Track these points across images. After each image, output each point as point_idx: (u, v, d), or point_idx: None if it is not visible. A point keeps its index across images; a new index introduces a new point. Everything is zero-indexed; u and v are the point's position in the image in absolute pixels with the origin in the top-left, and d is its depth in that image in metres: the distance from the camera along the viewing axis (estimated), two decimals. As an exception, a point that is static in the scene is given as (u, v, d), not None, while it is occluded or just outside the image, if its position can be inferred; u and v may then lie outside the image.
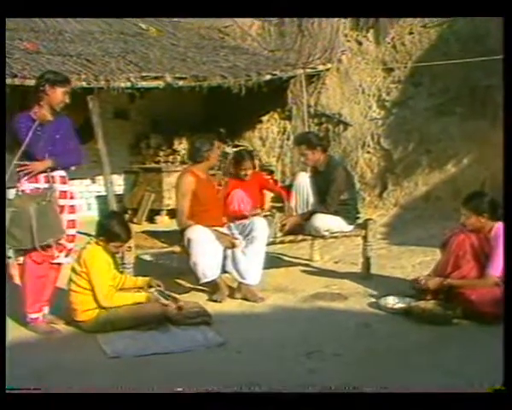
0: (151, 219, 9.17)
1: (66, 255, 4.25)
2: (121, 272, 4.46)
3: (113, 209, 4.51)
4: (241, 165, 5.54)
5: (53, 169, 4.15)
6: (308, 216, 5.32)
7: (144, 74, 8.04)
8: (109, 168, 7.99)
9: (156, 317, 4.13)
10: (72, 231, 4.26)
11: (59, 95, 4.16)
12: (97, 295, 4.07)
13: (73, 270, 4.15)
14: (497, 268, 4.12)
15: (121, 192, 9.69)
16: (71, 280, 4.15)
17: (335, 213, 5.31)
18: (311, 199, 5.45)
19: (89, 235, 4.68)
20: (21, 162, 4.07)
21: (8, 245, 3.99)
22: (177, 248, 4.95)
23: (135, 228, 7.99)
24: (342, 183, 5.31)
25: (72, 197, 4.34)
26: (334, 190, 5.27)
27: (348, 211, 5.39)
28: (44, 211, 4.04)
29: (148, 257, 5.72)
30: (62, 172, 4.23)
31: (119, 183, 9.67)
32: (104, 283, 4.10)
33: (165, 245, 5.10)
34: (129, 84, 7.87)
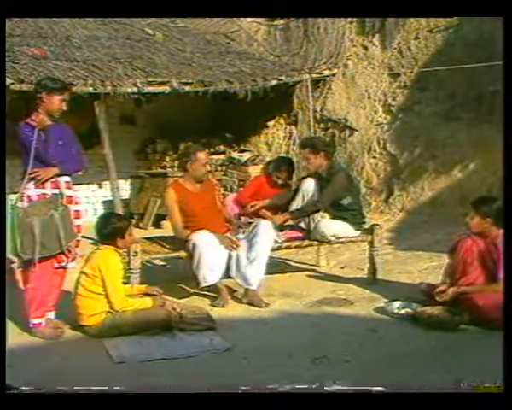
0: (157, 225, 9.18)
1: (72, 260, 4.26)
2: (128, 277, 4.48)
3: (105, 212, 4.57)
4: (279, 171, 5.72)
5: (58, 175, 4.19)
6: (296, 215, 5.35)
7: (151, 79, 8.07)
8: (115, 173, 8.02)
9: (161, 322, 4.13)
10: (77, 236, 4.28)
11: (56, 102, 4.18)
12: (112, 299, 4.08)
13: (84, 273, 4.16)
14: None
15: (127, 197, 9.71)
16: (79, 284, 4.16)
17: (341, 218, 5.31)
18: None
19: (94, 239, 4.71)
20: (32, 169, 4.10)
21: (39, 254, 4.00)
22: (182, 254, 4.96)
23: (141, 233, 8.05)
24: (339, 187, 5.29)
25: (76, 202, 4.37)
26: (327, 192, 5.27)
27: (354, 216, 5.39)
28: (65, 216, 4.10)
29: (154, 262, 5.74)
30: (67, 178, 4.27)
31: (125, 188, 9.70)
32: (119, 287, 4.14)
33: (171, 250, 5.12)
34: (135, 89, 7.90)
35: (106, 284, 4.08)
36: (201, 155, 5.05)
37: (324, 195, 5.30)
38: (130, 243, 4.42)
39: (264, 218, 5.29)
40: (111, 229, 4.22)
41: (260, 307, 4.74)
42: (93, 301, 4.11)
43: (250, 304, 4.79)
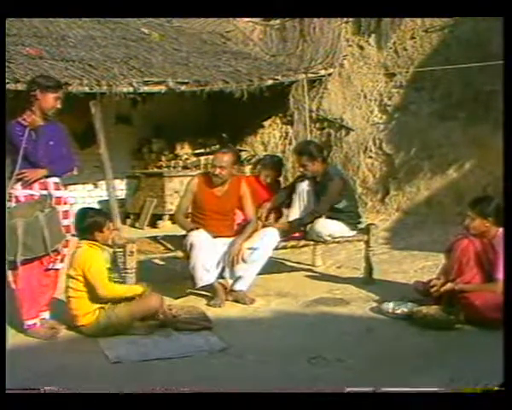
0: (153, 224, 9.18)
1: (62, 261, 4.25)
2: (124, 277, 4.49)
3: (81, 208, 4.55)
4: (267, 169, 5.76)
5: (47, 176, 4.17)
6: (295, 225, 5.35)
7: (146, 79, 8.07)
8: (111, 173, 8.00)
9: (154, 309, 4.15)
10: (65, 237, 4.27)
11: (50, 100, 4.14)
12: (98, 288, 4.06)
13: (69, 276, 4.15)
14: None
15: (123, 197, 9.71)
16: (68, 287, 4.15)
17: (337, 219, 5.33)
18: (312, 206, 5.44)
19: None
20: (20, 170, 4.06)
21: (22, 256, 3.96)
22: (179, 253, 4.96)
23: (137, 233, 8.05)
24: (336, 193, 5.31)
25: (65, 203, 4.35)
26: (324, 200, 5.30)
27: (350, 217, 5.41)
28: (51, 217, 4.07)
29: (151, 262, 5.73)
30: (56, 179, 4.24)
31: (121, 188, 9.70)
32: (103, 276, 4.10)
33: (167, 250, 5.11)
34: (131, 89, 7.90)
35: (88, 278, 4.06)
36: (219, 156, 4.98)
37: (321, 204, 5.31)
38: (111, 237, 4.39)
39: (261, 219, 5.30)
40: (88, 223, 4.18)
41: (244, 303, 4.80)
42: (84, 300, 4.10)
43: (235, 301, 4.85)
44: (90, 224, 4.19)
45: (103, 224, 4.23)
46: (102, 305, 4.10)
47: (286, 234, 5.26)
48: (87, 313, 4.10)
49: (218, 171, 4.90)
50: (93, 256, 4.13)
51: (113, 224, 4.52)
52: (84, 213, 4.31)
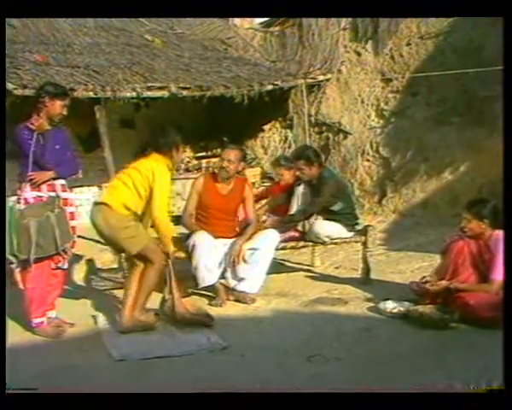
0: (155, 226, 9.25)
1: (68, 261, 4.38)
2: (125, 277, 4.64)
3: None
4: (279, 167, 5.93)
5: (54, 178, 4.30)
6: (286, 221, 5.50)
7: (149, 84, 8.15)
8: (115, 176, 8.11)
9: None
10: (73, 237, 4.40)
11: (57, 107, 4.28)
12: (156, 205, 4.43)
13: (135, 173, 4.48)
14: (499, 273, 4.09)
15: (126, 199, 9.79)
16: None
17: (334, 221, 5.42)
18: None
19: (96, 241, 4.81)
20: (30, 173, 4.19)
21: (34, 255, 4.09)
22: (181, 254, 5.00)
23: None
24: (329, 195, 5.40)
25: (71, 204, 4.47)
26: (316, 200, 5.40)
27: (347, 218, 5.50)
28: (61, 217, 4.20)
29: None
30: (62, 181, 4.37)
31: (124, 190, 9.77)
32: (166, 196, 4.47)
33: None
34: (135, 94, 7.98)
35: (153, 188, 4.39)
36: (227, 152, 5.08)
37: (313, 204, 5.42)
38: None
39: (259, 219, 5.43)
40: (171, 139, 4.52)
41: (245, 303, 4.89)
42: (129, 193, 4.36)
43: (237, 301, 4.95)
44: (171, 141, 4.49)
45: (179, 144, 4.51)
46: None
47: (279, 230, 5.36)
48: (122, 203, 4.28)
49: (226, 164, 5.00)
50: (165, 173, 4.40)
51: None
52: (167, 130, 4.60)
